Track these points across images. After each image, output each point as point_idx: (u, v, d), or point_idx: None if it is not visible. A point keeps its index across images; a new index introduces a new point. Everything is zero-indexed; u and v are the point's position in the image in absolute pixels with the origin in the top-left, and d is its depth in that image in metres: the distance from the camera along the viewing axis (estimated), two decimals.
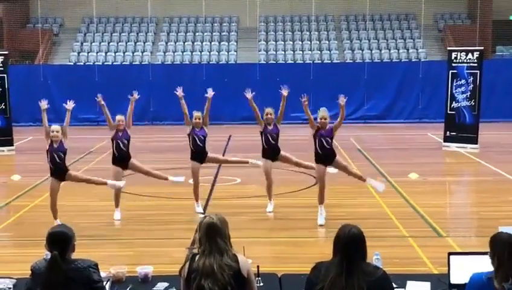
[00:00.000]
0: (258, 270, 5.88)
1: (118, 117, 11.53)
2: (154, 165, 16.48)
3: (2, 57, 20.39)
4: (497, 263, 4.64)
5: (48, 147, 10.64)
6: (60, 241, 4.81)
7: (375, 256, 5.89)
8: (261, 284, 5.77)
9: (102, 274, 5.24)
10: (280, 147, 11.76)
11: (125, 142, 11.23)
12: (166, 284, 5.90)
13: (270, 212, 11.58)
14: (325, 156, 10.84)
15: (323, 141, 10.81)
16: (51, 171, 10.69)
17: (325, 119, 10.89)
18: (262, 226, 10.88)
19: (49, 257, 4.79)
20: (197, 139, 12.02)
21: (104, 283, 5.14)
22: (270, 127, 11.80)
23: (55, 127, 10.81)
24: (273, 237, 10.29)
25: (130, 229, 10.80)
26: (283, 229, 10.72)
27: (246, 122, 25.32)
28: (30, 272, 4.89)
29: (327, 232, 10.27)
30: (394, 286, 4.86)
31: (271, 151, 11.64)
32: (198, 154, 11.88)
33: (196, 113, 12.51)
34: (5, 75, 20.20)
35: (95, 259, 4.96)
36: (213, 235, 4.69)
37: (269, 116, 11.87)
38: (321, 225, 10.69)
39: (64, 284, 4.70)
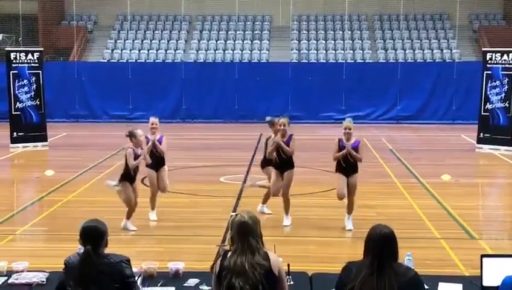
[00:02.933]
0: (288, 268, 5.88)
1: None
2: (185, 163, 16.60)
3: (38, 53, 20.65)
4: None
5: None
6: (93, 236, 4.85)
7: (406, 257, 5.85)
8: (292, 282, 5.76)
9: (134, 269, 5.28)
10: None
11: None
12: (197, 281, 5.92)
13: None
14: (348, 167, 10.37)
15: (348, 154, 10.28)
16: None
17: (350, 129, 10.30)
18: (293, 225, 10.86)
19: (82, 251, 4.84)
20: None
21: (136, 278, 5.18)
22: (284, 140, 10.57)
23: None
24: (304, 236, 10.27)
25: (162, 225, 10.86)
26: (313, 228, 10.70)
27: None
28: (63, 266, 4.94)
29: (357, 233, 10.22)
30: (426, 287, 4.83)
31: (282, 165, 10.72)
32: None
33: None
34: (40, 72, 20.46)
35: (127, 254, 5.00)
36: (245, 234, 4.69)
37: (282, 127, 10.58)
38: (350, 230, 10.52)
39: (97, 279, 4.74)
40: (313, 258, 9.15)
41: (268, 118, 11.61)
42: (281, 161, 10.62)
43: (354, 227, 10.40)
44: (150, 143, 10.78)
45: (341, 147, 10.29)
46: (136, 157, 10.11)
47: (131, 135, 10.18)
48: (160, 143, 10.92)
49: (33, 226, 11.08)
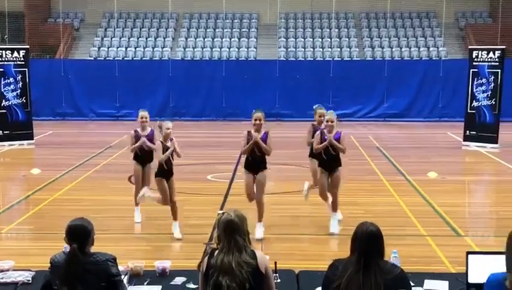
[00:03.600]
0: (275, 266, 5.89)
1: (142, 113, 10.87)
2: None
3: (24, 51, 20.55)
4: (507, 257, 4.65)
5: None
6: (79, 234, 4.84)
7: (393, 254, 5.88)
8: (279, 280, 5.77)
9: (121, 268, 5.27)
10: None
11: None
12: (184, 279, 5.92)
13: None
14: (330, 161, 10.08)
15: (330, 147, 9.97)
16: (160, 170, 9.92)
17: (332, 122, 9.98)
18: (280, 223, 10.87)
19: (68, 250, 4.83)
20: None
21: (122, 276, 5.17)
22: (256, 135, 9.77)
23: (170, 124, 9.89)
24: (290, 234, 10.28)
25: (149, 224, 10.83)
26: (300, 226, 10.72)
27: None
28: (49, 264, 4.93)
29: (344, 230, 10.24)
30: (412, 284, 4.85)
31: (253, 163, 9.92)
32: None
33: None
34: (26, 69, 20.35)
35: (114, 253, 4.99)
36: (231, 233, 4.69)
37: (258, 122, 9.76)
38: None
39: (83, 277, 4.73)
40: (300, 256, 9.16)
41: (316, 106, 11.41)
42: (253, 160, 9.82)
43: (341, 226, 10.34)
44: (141, 140, 10.57)
45: (323, 139, 9.99)
46: (165, 150, 9.70)
47: (160, 127, 9.98)
48: (151, 137, 10.64)
49: (19, 224, 11.02)
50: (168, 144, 9.74)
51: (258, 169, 9.79)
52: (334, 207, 10.35)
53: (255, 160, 9.77)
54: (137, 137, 10.68)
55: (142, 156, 10.74)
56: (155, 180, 9.90)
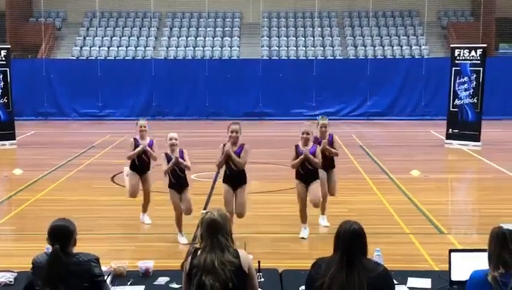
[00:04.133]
0: (259, 265, 5.88)
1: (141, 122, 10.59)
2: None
3: (5, 51, 20.39)
4: (488, 253, 4.71)
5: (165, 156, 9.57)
6: (62, 235, 4.82)
7: (376, 252, 5.89)
8: (262, 279, 5.77)
9: (104, 268, 5.25)
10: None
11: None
12: (167, 279, 5.91)
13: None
14: (307, 175, 9.75)
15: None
16: (169, 183, 9.70)
17: (308, 134, 9.72)
18: (263, 221, 10.87)
19: (50, 250, 4.80)
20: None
21: (105, 277, 5.15)
22: (234, 149, 9.45)
23: (174, 134, 9.65)
24: (274, 233, 10.29)
25: (132, 224, 10.80)
26: (283, 225, 10.72)
27: (248, 118, 25.33)
28: (31, 265, 4.90)
29: (328, 229, 10.27)
30: (395, 282, 4.87)
31: (232, 178, 9.55)
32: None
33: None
34: (8, 69, 20.21)
35: (97, 253, 4.97)
36: (214, 232, 4.69)
37: (234, 134, 9.41)
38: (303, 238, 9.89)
39: (65, 278, 4.71)
40: (284, 255, 9.17)
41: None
42: (231, 174, 9.49)
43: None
44: (139, 147, 10.34)
45: (298, 153, 9.67)
46: (169, 161, 9.48)
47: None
48: (150, 147, 10.45)
49: (1, 225, 10.94)
50: (174, 154, 9.49)
51: (237, 183, 9.45)
52: (322, 209, 10.42)
53: (233, 174, 9.44)
54: (136, 146, 10.42)
55: (140, 165, 10.52)
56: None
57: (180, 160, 9.49)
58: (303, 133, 9.63)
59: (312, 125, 10.17)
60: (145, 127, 10.48)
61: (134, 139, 10.50)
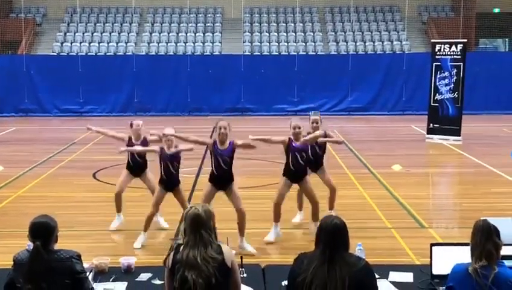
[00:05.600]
0: (241, 261, 5.89)
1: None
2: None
3: None
4: (472, 245, 4.75)
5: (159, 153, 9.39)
6: (43, 231, 4.80)
7: (357, 247, 5.91)
8: (245, 275, 5.78)
9: (85, 265, 5.23)
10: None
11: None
12: (149, 275, 5.90)
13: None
14: (297, 172, 9.38)
15: (298, 155, 9.29)
16: (160, 178, 9.52)
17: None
18: (246, 217, 10.86)
19: (31, 247, 4.78)
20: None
21: (87, 273, 5.13)
22: (221, 148, 8.93)
23: (170, 130, 9.37)
24: (257, 229, 10.29)
25: (113, 220, 10.74)
26: (267, 220, 10.71)
27: (230, 113, 25.33)
28: (12, 262, 4.87)
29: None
30: (377, 276, 4.89)
31: (219, 178, 9.09)
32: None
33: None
34: None
35: (78, 250, 4.95)
36: (198, 227, 4.68)
37: (222, 130, 8.84)
38: (270, 242, 9.49)
39: (47, 275, 4.68)
40: (267, 250, 9.18)
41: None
42: (219, 175, 8.98)
43: (305, 217, 10.37)
44: (134, 148, 10.08)
45: (291, 147, 9.29)
46: (164, 157, 9.33)
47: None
48: (146, 144, 10.20)
49: None
50: (170, 151, 9.33)
51: (225, 183, 9.01)
52: (314, 216, 9.61)
53: (222, 175, 8.97)
54: (130, 144, 10.20)
55: (135, 166, 10.31)
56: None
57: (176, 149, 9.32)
58: (294, 128, 9.23)
59: (303, 119, 9.97)
60: (139, 125, 10.29)
61: (129, 137, 10.26)
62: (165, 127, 9.72)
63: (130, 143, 10.23)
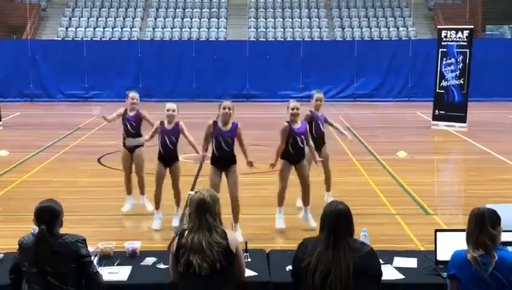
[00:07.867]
0: (246, 246, 5.90)
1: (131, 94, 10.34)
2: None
3: None
4: (467, 232, 4.72)
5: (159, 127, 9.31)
6: (48, 216, 4.81)
7: (362, 233, 5.91)
8: (249, 259, 5.79)
9: (90, 249, 5.25)
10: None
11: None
12: (154, 259, 5.92)
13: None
14: (296, 154, 9.25)
15: (298, 139, 9.16)
16: (159, 155, 9.42)
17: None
18: (251, 203, 10.86)
19: (36, 231, 4.79)
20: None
21: (92, 257, 5.15)
22: (223, 129, 8.80)
23: (172, 105, 9.34)
24: (262, 214, 10.30)
25: (119, 205, 10.76)
26: (270, 206, 10.71)
27: (235, 99, 25.14)
28: (18, 246, 4.88)
29: (315, 210, 10.26)
30: (381, 262, 4.90)
31: (220, 160, 8.93)
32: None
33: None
34: None
35: (84, 234, 4.96)
36: (203, 212, 4.69)
37: (227, 110, 8.71)
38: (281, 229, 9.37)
39: (52, 259, 4.70)
40: (271, 236, 9.19)
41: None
42: (220, 157, 8.83)
43: (311, 204, 10.28)
44: (135, 141, 10.10)
45: (292, 131, 9.08)
46: (158, 131, 9.29)
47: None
48: (139, 117, 10.19)
49: None
50: (170, 127, 9.29)
51: (227, 165, 8.87)
52: (305, 200, 9.61)
53: (222, 156, 8.81)
54: (124, 117, 10.15)
55: (128, 134, 10.17)
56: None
57: (204, 153, 9.09)
58: (292, 109, 9.05)
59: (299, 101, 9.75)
60: (136, 99, 10.24)
61: (125, 110, 10.22)
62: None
63: (125, 115, 10.19)
